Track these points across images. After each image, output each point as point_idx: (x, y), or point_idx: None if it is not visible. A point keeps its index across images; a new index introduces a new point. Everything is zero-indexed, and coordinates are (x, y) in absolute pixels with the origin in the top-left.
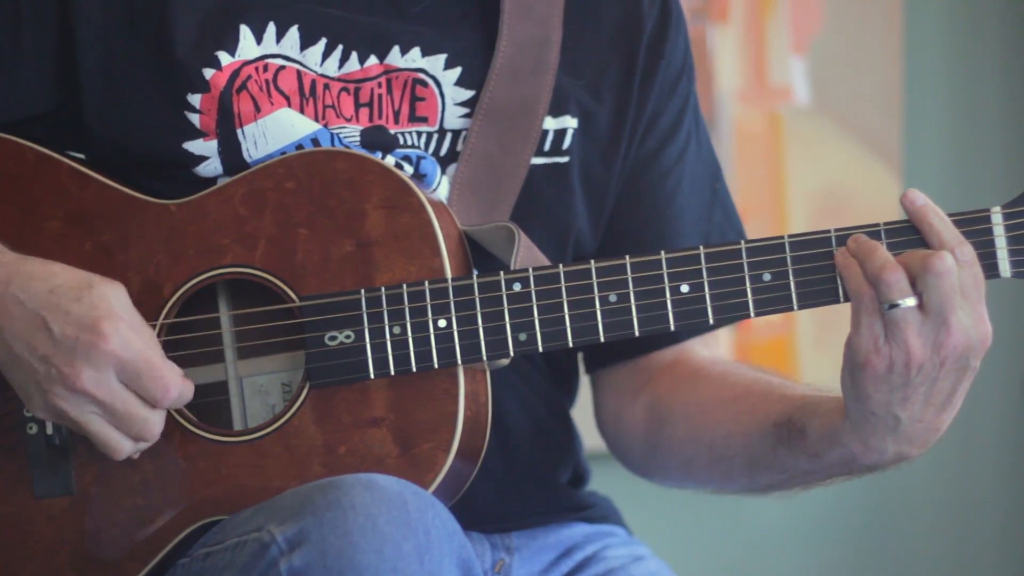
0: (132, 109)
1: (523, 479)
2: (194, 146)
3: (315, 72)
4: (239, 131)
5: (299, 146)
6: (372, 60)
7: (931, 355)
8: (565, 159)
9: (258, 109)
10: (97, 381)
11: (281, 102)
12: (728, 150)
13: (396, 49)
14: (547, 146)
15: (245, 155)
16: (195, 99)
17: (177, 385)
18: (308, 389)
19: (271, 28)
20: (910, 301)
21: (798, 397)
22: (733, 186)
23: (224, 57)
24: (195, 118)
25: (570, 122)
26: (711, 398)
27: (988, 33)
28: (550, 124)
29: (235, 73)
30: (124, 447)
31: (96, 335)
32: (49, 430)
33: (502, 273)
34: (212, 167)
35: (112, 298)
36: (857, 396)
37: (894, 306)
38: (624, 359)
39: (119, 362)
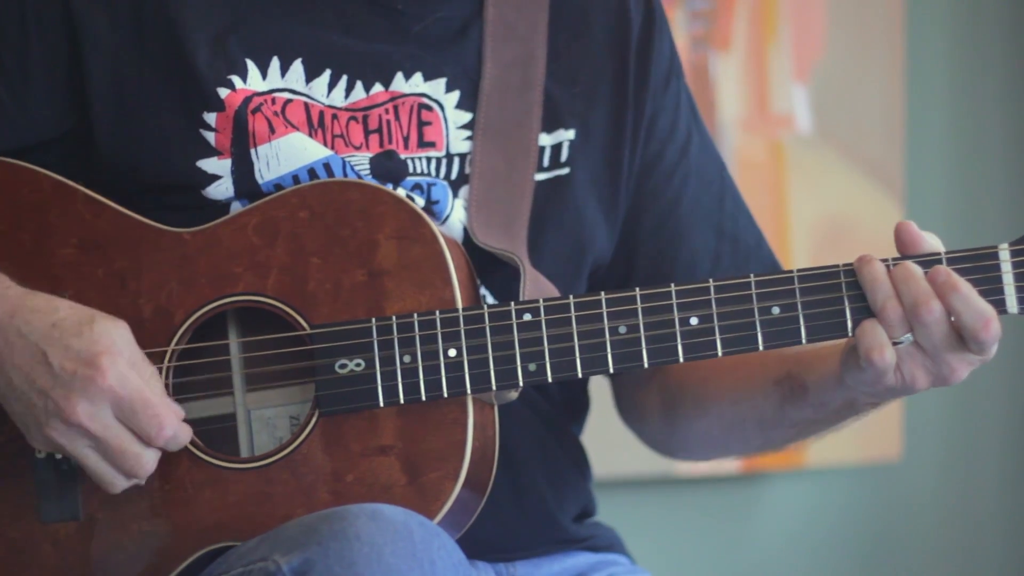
0: (145, 128)
1: (530, 512)
2: (208, 164)
3: (322, 104)
4: (252, 151)
5: (311, 170)
6: (377, 87)
7: (935, 382)
8: (566, 171)
9: (272, 131)
10: (92, 416)
11: (293, 129)
12: None
13: (399, 75)
14: (546, 161)
15: (257, 176)
16: (211, 117)
17: (172, 424)
18: (317, 416)
19: (275, 63)
20: (908, 338)
21: (793, 354)
22: None
23: (237, 81)
24: (211, 136)
25: (566, 135)
26: (712, 370)
27: (991, 61)
28: (545, 140)
29: (248, 99)
30: (117, 483)
31: (94, 370)
32: (58, 455)
33: (512, 304)
34: (224, 187)
35: (114, 334)
36: (856, 380)
37: (898, 342)
38: None
39: (115, 398)
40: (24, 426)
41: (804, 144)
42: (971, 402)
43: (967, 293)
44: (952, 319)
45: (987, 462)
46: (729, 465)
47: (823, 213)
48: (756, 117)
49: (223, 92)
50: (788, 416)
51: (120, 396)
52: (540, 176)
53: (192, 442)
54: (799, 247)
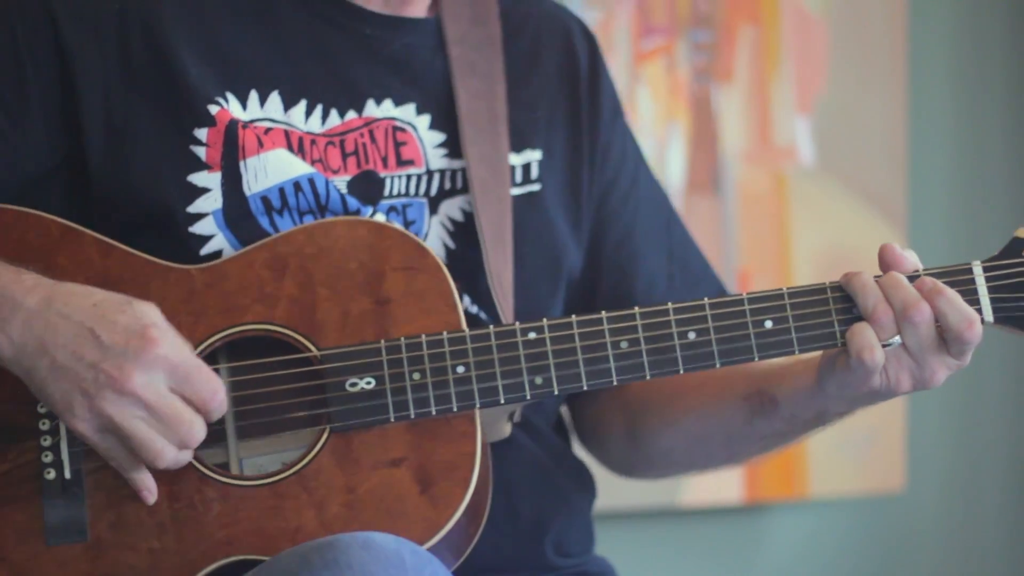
0: (136, 148)
1: (521, 536)
2: (198, 178)
3: (301, 130)
4: (242, 163)
5: (296, 183)
6: (351, 114)
7: (916, 385)
8: (538, 187)
9: (260, 144)
10: (146, 384)
11: (279, 145)
12: (733, 210)
13: (371, 101)
14: (519, 178)
15: (245, 187)
16: (202, 133)
17: (223, 390)
18: (328, 434)
19: (254, 95)
20: (897, 340)
21: (761, 371)
22: (738, 246)
23: (224, 103)
24: (201, 151)
25: (533, 155)
26: (679, 387)
27: (993, 93)
28: (515, 160)
29: (234, 120)
30: (167, 453)
31: (146, 340)
32: (67, 474)
33: (517, 324)
34: (212, 199)
35: (153, 313)
36: (841, 385)
37: (887, 344)
38: None
39: (169, 365)
40: (68, 405)
41: (807, 176)
42: (974, 434)
43: (952, 297)
44: (938, 322)
45: (990, 493)
46: (732, 496)
47: (826, 244)
48: (759, 149)
49: (213, 109)
50: (757, 430)
51: (174, 363)
52: (515, 191)
53: (199, 460)
54: (802, 278)
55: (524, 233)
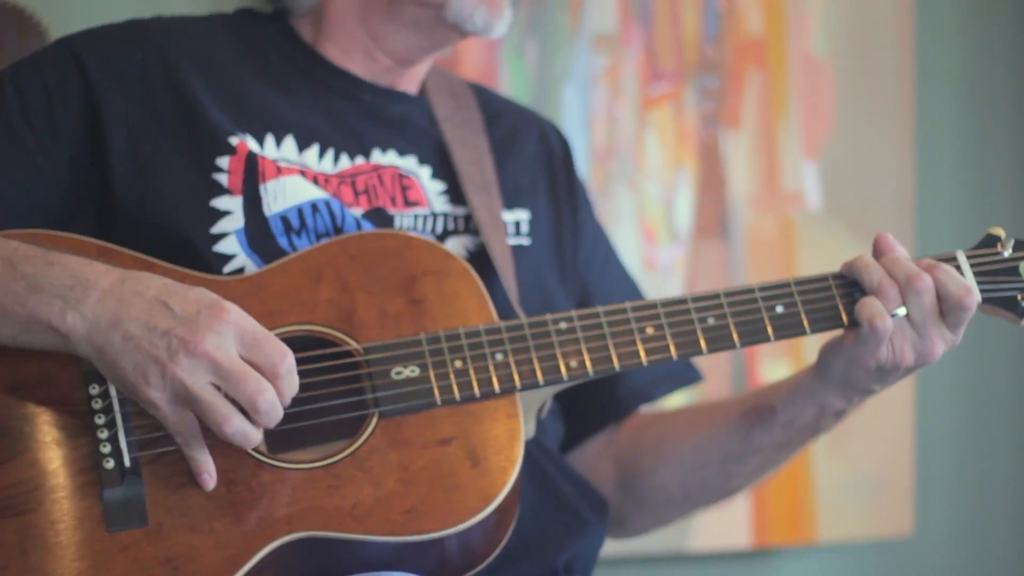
0: (160, 179)
1: (539, 553)
2: (220, 202)
3: (315, 170)
4: (261, 186)
5: (314, 205)
6: (360, 159)
7: (918, 358)
8: (528, 241)
9: (279, 170)
10: (218, 346)
11: (296, 172)
12: (741, 255)
13: (376, 150)
14: (511, 230)
15: (265, 208)
16: (223, 161)
17: (291, 356)
18: (377, 419)
19: (270, 137)
20: (902, 311)
21: (753, 391)
22: None
23: (243, 138)
24: (223, 178)
25: (522, 213)
26: (669, 426)
27: (1000, 138)
28: (508, 217)
29: (253, 152)
30: (235, 420)
31: (217, 308)
32: (127, 462)
33: (548, 316)
34: (234, 220)
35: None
36: (848, 363)
37: (893, 315)
38: (598, 429)
39: (240, 330)
40: (140, 375)
41: (815, 221)
42: (981, 478)
43: (949, 269)
44: (937, 294)
45: (998, 539)
46: (740, 541)
47: None
48: (766, 194)
49: (234, 140)
50: (755, 443)
51: (244, 328)
52: (511, 241)
53: (254, 448)
54: None
55: (523, 282)
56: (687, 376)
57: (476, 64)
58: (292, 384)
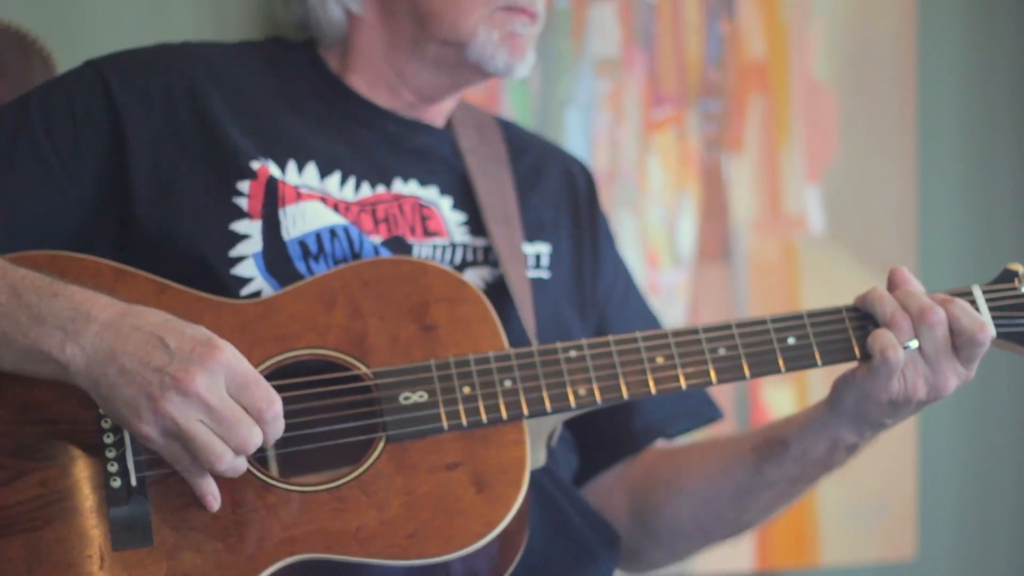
0: (182, 201)
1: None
2: (239, 226)
3: (336, 197)
4: (281, 211)
5: (332, 231)
6: (381, 188)
7: (930, 393)
8: (547, 274)
9: (299, 195)
10: (208, 387)
11: (315, 198)
12: (743, 279)
13: (398, 179)
14: (531, 263)
15: (283, 232)
16: (243, 185)
17: (279, 403)
18: (384, 444)
19: (292, 163)
20: (914, 343)
21: (765, 426)
22: (749, 315)
23: (265, 163)
24: (243, 202)
25: (543, 246)
26: (683, 459)
27: (1003, 161)
28: (528, 249)
29: (274, 177)
30: (225, 457)
31: (211, 347)
32: (133, 481)
33: (558, 344)
34: (252, 244)
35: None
36: (861, 396)
37: (905, 347)
38: (613, 462)
39: (232, 371)
40: (134, 411)
41: (817, 244)
42: (985, 502)
43: (964, 304)
44: (951, 329)
45: (1001, 563)
46: (743, 565)
47: None
48: (769, 218)
49: (255, 165)
50: (767, 477)
51: (236, 371)
52: (530, 274)
53: (259, 470)
54: None
55: (541, 314)
56: (706, 413)
57: (480, 89)
58: (277, 429)
